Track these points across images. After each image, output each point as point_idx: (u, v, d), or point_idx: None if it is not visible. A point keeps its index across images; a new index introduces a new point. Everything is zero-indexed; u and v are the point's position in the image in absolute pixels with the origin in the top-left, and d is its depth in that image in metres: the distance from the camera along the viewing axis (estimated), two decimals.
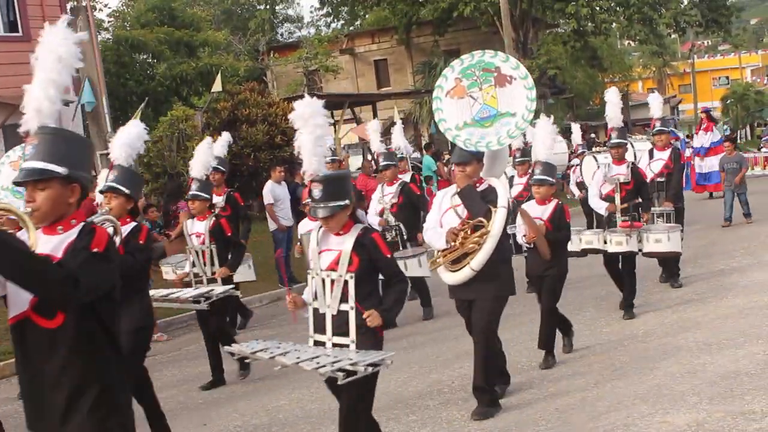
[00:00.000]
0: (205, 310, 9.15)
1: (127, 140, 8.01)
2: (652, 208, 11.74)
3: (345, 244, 5.83)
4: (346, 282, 5.77)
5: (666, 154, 12.63)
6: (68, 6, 21.13)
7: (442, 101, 7.81)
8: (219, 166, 12.57)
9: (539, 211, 8.86)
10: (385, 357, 5.46)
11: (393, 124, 22.35)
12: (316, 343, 5.88)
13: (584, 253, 10.98)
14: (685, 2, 43.61)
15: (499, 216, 7.13)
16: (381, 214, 12.07)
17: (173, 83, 25.94)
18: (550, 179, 9.03)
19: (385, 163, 12.27)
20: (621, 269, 10.83)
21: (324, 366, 5.26)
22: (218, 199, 12.34)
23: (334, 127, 29.22)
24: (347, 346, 5.72)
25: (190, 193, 10.04)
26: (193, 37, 28.03)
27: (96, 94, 18.48)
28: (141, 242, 7.28)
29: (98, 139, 18.64)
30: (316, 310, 5.93)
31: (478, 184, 7.35)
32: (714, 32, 47.67)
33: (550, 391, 7.96)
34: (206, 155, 10.60)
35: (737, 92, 63.97)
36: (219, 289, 9.26)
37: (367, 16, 46.29)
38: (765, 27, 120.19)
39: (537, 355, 9.16)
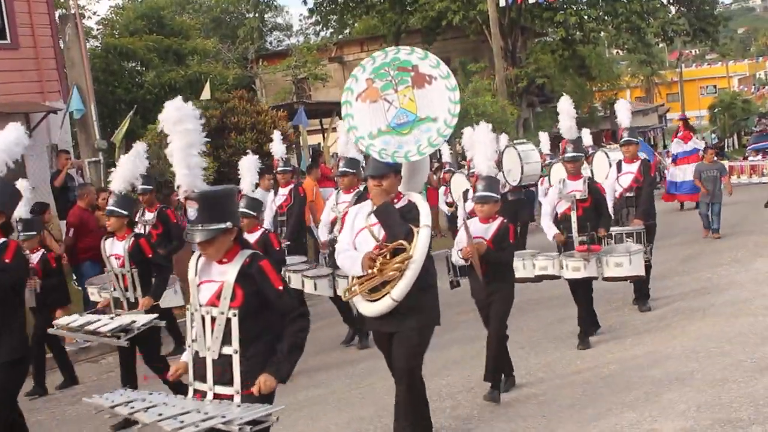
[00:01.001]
0: (125, 347, 8.27)
1: (2, 146, 6.96)
2: (621, 228, 11.18)
3: (228, 274, 4.98)
4: (228, 320, 4.93)
5: (635, 167, 11.73)
6: (57, 14, 21.10)
7: (353, 106, 6.81)
8: (146, 186, 11.82)
9: (482, 230, 8.14)
10: (270, 412, 4.66)
11: None
12: (197, 393, 5.07)
13: (539, 279, 10.24)
14: (673, 12, 43.83)
15: (422, 238, 6.22)
16: (334, 223, 11.18)
17: (162, 91, 25.85)
18: (495, 195, 8.25)
19: (343, 169, 11.24)
20: (577, 294, 10.05)
21: (188, 426, 4.48)
22: (150, 216, 11.96)
23: (323, 135, 29.24)
24: (231, 397, 4.93)
25: (107, 208, 9.02)
26: (182, 45, 27.95)
27: (84, 101, 18.45)
28: (7, 261, 6.50)
29: (87, 147, 18.62)
30: (196, 354, 5.08)
31: (396, 200, 6.49)
32: (701, 41, 47.92)
33: (538, 399, 7.97)
34: (131, 167, 9.57)
35: (724, 101, 64.13)
36: (141, 320, 8.17)
37: (356, 24, 46.32)
38: (752, 36, 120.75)
39: (523, 362, 9.18)
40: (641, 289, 11.45)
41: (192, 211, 4.98)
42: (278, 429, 7.91)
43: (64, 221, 14.12)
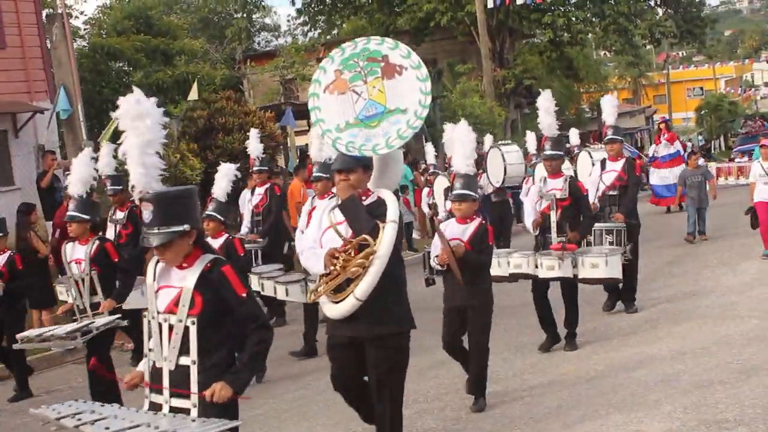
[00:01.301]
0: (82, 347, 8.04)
1: None
2: (601, 224, 11.02)
3: (187, 280, 4.69)
4: (186, 329, 4.64)
5: (619, 165, 11.51)
6: (44, 13, 21.03)
7: (320, 98, 6.48)
8: (116, 186, 11.82)
9: (459, 231, 7.85)
10: (227, 428, 4.37)
11: None
12: (153, 406, 4.78)
13: (514, 278, 10.05)
14: (660, 14, 44.00)
15: (387, 233, 5.81)
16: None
17: (149, 91, 25.68)
18: (473, 194, 7.95)
19: (317, 174, 10.75)
20: (562, 296, 9.86)
21: None
22: (120, 215, 11.92)
23: None
24: (188, 410, 4.64)
25: (67, 214, 8.85)
26: (169, 45, 27.92)
27: (72, 101, 18.40)
28: None
29: (73, 148, 18.56)
30: (153, 364, 4.81)
31: (364, 197, 6.13)
32: (688, 43, 48.11)
33: (525, 400, 7.98)
34: (86, 170, 9.33)
35: (711, 103, 64.41)
36: (100, 320, 8.11)
37: (344, 25, 46.29)
38: (738, 38, 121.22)
39: (510, 364, 9.20)
40: (628, 290, 11.28)
41: (147, 213, 4.65)
42: (267, 430, 7.94)
43: (51, 222, 14.07)
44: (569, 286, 9.79)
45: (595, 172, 11.81)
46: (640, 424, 6.83)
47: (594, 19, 39.58)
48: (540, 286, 9.79)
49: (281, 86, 33.28)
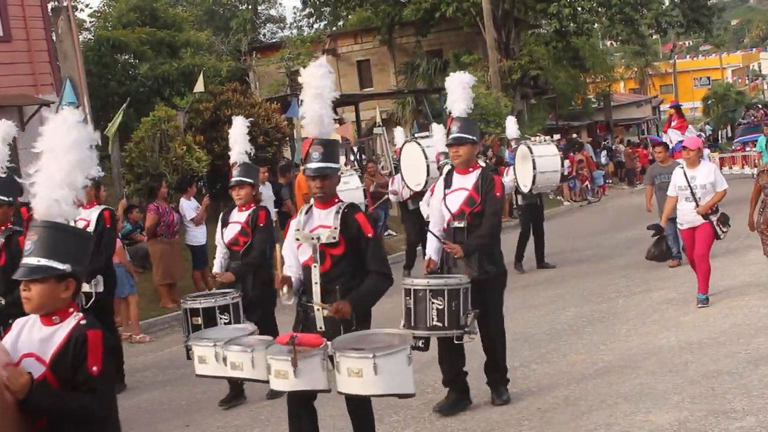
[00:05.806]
0: None
1: None
2: (424, 281, 7.01)
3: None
4: None
5: (470, 180, 7.41)
6: (49, 6, 21.03)
7: None
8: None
9: (36, 342, 3.85)
10: None
11: (375, 124, 22.18)
12: None
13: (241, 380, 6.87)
14: (667, 3, 43.83)
15: None
16: None
17: (155, 84, 25.87)
18: (57, 268, 3.89)
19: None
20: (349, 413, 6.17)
21: None
22: None
23: None
24: None
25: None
26: (175, 37, 27.96)
27: (78, 94, 18.40)
28: None
29: None
30: None
31: None
32: (695, 32, 47.97)
33: (532, 391, 7.98)
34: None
35: (718, 92, 64.25)
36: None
37: (349, 16, 46.27)
38: (746, 27, 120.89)
39: (519, 354, 9.19)
40: (495, 374, 7.72)
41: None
42: (274, 416, 7.95)
43: None
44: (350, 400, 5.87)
45: (438, 193, 7.69)
46: (648, 414, 6.83)
47: (600, 9, 39.41)
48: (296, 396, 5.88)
49: (287, 78, 33.34)
